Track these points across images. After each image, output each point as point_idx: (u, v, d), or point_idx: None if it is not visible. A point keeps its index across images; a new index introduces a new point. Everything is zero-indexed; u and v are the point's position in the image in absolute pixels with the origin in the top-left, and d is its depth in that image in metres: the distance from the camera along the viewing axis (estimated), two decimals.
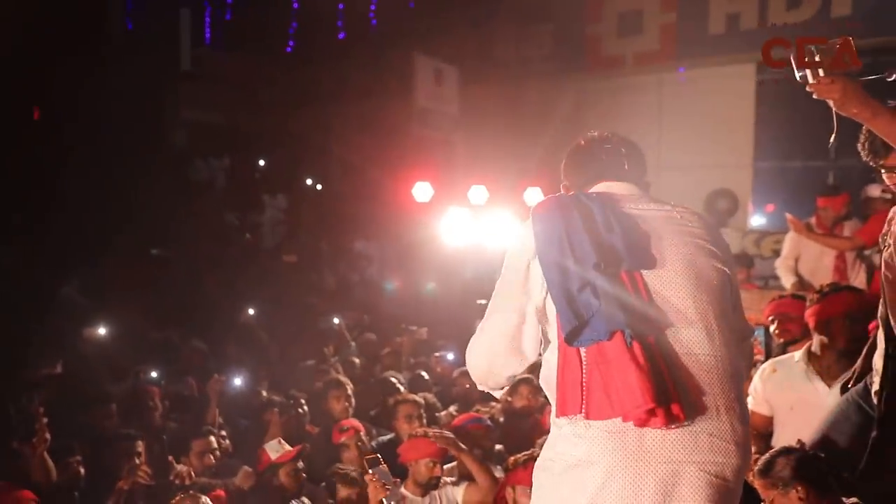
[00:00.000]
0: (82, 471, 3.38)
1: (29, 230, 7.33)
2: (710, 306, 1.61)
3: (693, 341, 1.56)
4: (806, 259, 5.16)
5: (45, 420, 3.21)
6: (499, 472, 3.47)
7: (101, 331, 5.38)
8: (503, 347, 1.67)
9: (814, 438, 2.66)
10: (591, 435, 1.53)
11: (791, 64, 1.71)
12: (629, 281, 1.59)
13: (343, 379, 4.26)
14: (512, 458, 3.09)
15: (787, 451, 2.38)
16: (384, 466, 2.90)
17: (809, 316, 3.00)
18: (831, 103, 1.79)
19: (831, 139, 1.87)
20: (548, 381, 1.66)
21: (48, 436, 3.21)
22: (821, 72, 1.71)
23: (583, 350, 1.54)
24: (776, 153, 9.18)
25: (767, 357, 3.87)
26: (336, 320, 6.37)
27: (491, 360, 1.70)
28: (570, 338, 1.54)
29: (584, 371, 1.54)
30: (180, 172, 9.77)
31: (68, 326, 5.40)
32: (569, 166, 1.95)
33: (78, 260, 7.12)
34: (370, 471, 2.80)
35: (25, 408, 3.70)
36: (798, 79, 1.73)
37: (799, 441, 2.49)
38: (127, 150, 8.08)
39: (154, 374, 4.76)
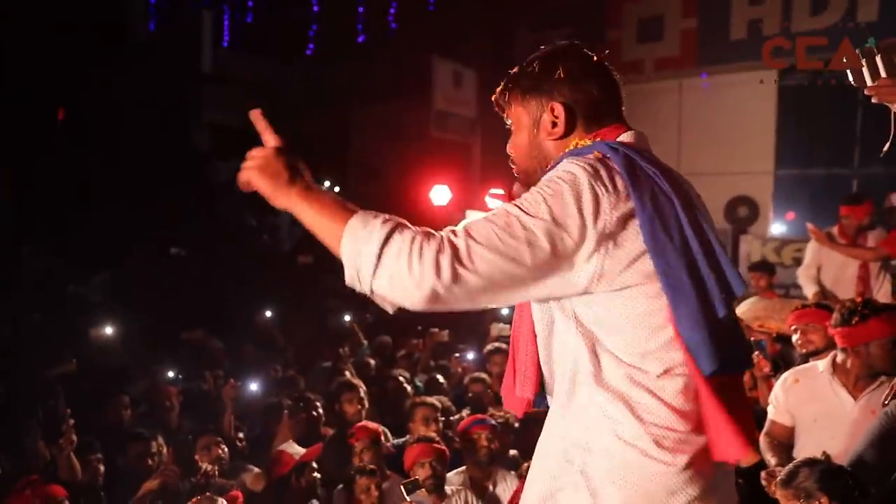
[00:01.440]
0: (102, 468, 3.43)
1: (53, 231, 7.44)
2: None
3: None
4: (828, 268, 5.10)
5: (71, 421, 3.28)
6: (512, 478, 3.46)
7: (119, 329, 5.44)
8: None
9: (843, 451, 2.61)
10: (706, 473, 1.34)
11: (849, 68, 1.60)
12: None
13: (356, 381, 4.25)
14: (526, 464, 3.06)
15: (810, 462, 2.34)
16: (423, 492, 2.89)
17: (842, 336, 2.88)
18: (893, 107, 1.63)
19: (886, 146, 1.67)
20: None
21: (75, 437, 3.28)
22: (882, 72, 1.56)
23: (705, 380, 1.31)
24: (797, 160, 9.09)
25: (775, 368, 3.82)
26: (347, 317, 6.37)
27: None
28: (717, 366, 1.29)
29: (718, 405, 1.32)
30: (200, 174, 9.87)
31: (85, 325, 5.46)
32: (582, 85, 1.46)
33: (101, 260, 7.22)
34: (408, 498, 2.76)
35: (52, 407, 3.76)
36: (852, 82, 1.61)
37: (823, 453, 2.45)
38: (148, 152, 8.18)
39: (171, 374, 4.79)
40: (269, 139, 1.41)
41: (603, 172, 1.31)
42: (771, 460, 2.95)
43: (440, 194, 7.70)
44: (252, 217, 10.30)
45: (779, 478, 2.36)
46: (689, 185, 1.46)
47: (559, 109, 1.45)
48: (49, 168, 7.60)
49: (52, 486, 2.89)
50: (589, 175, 1.29)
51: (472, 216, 1.69)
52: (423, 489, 2.97)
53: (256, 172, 1.36)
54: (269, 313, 6.52)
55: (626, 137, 1.44)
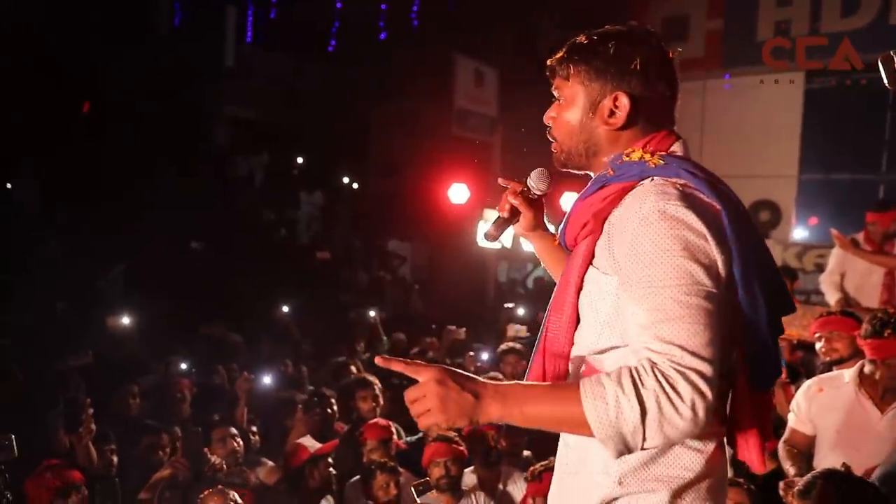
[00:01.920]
0: (115, 459, 3.46)
1: (74, 221, 7.53)
2: None
3: None
4: (852, 275, 4.99)
5: (91, 411, 3.31)
6: (520, 478, 3.43)
7: (137, 321, 5.49)
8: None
9: (867, 465, 2.54)
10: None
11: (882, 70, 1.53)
12: None
13: (370, 378, 4.23)
14: (536, 466, 3.02)
15: (830, 473, 2.28)
16: (434, 493, 2.87)
17: (872, 347, 2.80)
18: None
19: None
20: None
21: (94, 426, 3.33)
22: None
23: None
24: (822, 165, 8.96)
25: (793, 376, 3.75)
26: (372, 313, 6.37)
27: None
28: (773, 381, 1.39)
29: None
30: (220, 168, 9.94)
31: (103, 316, 5.52)
32: (652, 82, 1.38)
33: (120, 251, 7.30)
34: (418, 500, 2.75)
35: (73, 397, 3.80)
36: (885, 82, 1.55)
37: (844, 464, 2.39)
38: (170, 145, 8.25)
39: (184, 366, 4.82)
40: (421, 374, 1.24)
41: (698, 206, 1.26)
42: (790, 469, 2.90)
43: (458, 193, 7.68)
44: (270, 211, 10.36)
45: (796, 488, 2.31)
46: None
47: (624, 101, 1.36)
48: (71, 159, 7.69)
49: (70, 472, 2.94)
50: (693, 214, 1.24)
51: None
52: (435, 490, 2.95)
53: (438, 413, 1.21)
54: (285, 308, 6.54)
55: (677, 148, 1.39)
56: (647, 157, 1.35)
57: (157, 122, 8.19)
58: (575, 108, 1.41)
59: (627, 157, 1.37)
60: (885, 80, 1.51)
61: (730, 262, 1.26)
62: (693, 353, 1.17)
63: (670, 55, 1.41)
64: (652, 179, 1.31)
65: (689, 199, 1.26)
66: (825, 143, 8.81)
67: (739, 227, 1.27)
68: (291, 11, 11.12)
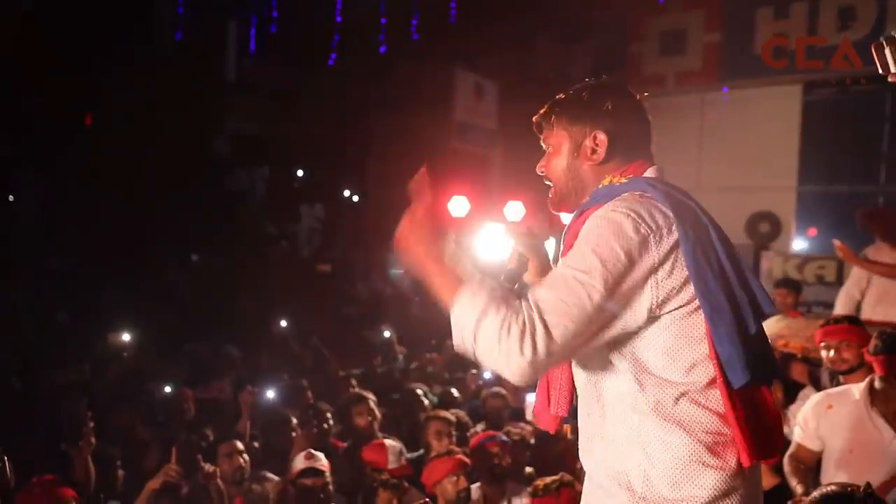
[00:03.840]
0: (121, 474, 3.44)
1: (74, 234, 7.54)
2: None
3: None
4: (876, 285, 4.89)
5: (91, 424, 3.30)
6: (526, 494, 3.41)
7: (136, 335, 5.47)
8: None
9: (881, 486, 2.49)
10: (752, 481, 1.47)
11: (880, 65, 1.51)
12: None
13: (365, 393, 4.20)
14: (539, 481, 3.01)
15: (844, 491, 2.19)
16: None
17: (882, 363, 2.75)
18: None
19: None
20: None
21: (93, 440, 3.30)
22: None
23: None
24: (821, 176, 8.97)
25: (786, 390, 3.70)
26: (387, 333, 6.35)
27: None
28: (747, 379, 1.39)
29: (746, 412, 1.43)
30: (221, 180, 9.96)
31: (103, 330, 5.51)
32: (624, 120, 1.57)
33: (121, 265, 7.30)
34: None
35: (72, 410, 3.78)
36: (880, 71, 1.52)
37: (867, 483, 2.31)
38: (172, 158, 8.27)
39: (168, 389, 4.77)
40: (423, 203, 1.53)
41: (644, 213, 1.41)
42: (797, 487, 2.83)
43: (459, 205, 7.68)
44: (271, 224, 10.37)
45: (806, 501, 2.25)
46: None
47: (602, 137, 1.55)
48: (72, 172, 7.72)
49: (61, 489, 2.90)
50: (632, 219, 1.39)
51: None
52: None
53: (407, 235, 1.50)
54: (283, 322, 6.51)
55: (650, 173, 1.55)
56: (615, 179, 1.54)
57: (158, 135, 8.22)
58: (561, 153, 1.61)
59: (602, 185, 1.56)
60: (879, 68, 1.51)
61: (672, 268, 1.39)
62: (544, 314, 1.34)
63: (638, 98, 1.61)
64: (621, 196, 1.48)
65: (639, 206, 1.42)
66: (824, 155, 8.82)
67: (696, 235, 1.40)
68: (292, 26, 11.18)
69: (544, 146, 1.65)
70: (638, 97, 1.61)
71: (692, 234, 1.40)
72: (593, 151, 1.56)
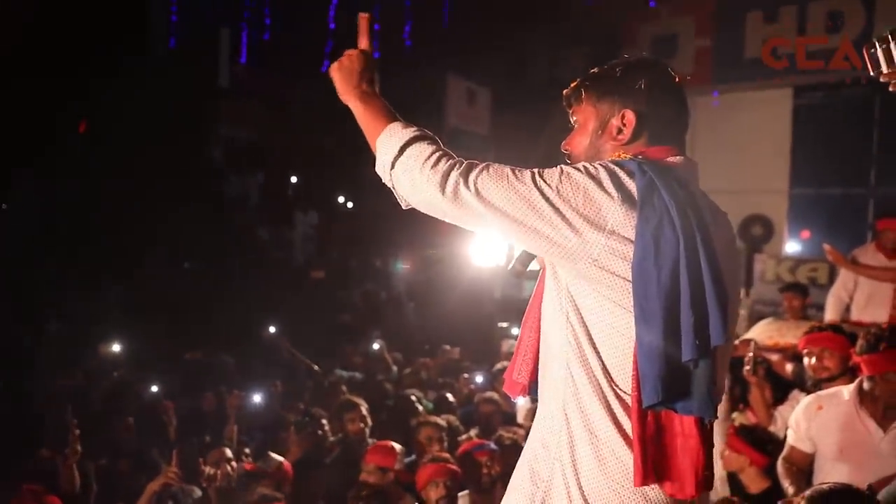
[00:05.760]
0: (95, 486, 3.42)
1: (69, 241, 7.51)
2: None
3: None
4: (863, 288, 4.90)
5: (77, 432, 3.28)
6: None
7: (129, 342, 5.45)
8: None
9: (871, 485, 2.50)
10: None
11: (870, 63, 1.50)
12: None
13: (356, 399, 4.20)
14: None
15: (849, 489, 2.14)
16: None
17: (868, 363, 2.72)
18: None
19: None
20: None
21: (79, 447, 3.28)
22: None
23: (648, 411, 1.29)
24: (813, 179, 9.03)
25: (775, 390, 3.71)
26: (376, 346, 6.31)
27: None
28: (655, 402, 1.26)
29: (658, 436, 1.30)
30: (215, 187, 9.94)
31: (95, 337, 5.48)
32: (658, 102, 1.44)
33: (114, 271, 7.28)
34: None
35: (58, 418, 3.76)
36: (870, 70, 1.52)
37: (869, 486, 2.31)
38: (165, 164, 8.26)
39: (167, 389, 4.76)
40: (363, 43, 1.62)
41: (623, 178, 1.32)
42: (789, 488, 2.83)
43: None
44: (265, 231, 10.35)
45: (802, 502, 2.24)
46: (726, 226, 1.47)
47: (630, 116, 1.43)
48: (66, 178, 7.70)
49: (49, 498, 2.88)
50: (608, 172, 1.32)
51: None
52: None
53: (337, 66, 1.59)
54: (272, 329, 6.47)
55: (673, 159, 1.43)
56: (620, 154, 1.43)
57: (152, 142, 8.21)
58: (586, 130, 1.49)
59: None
60: (870, 70, 1.51)
61: (623, 244, 1.27)
62: (485, 168, 1.35)
63: (677, 80, 1.47)
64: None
65: (618, 171, 1.32)
66: (815, 158, 8.88)
67: (657, 235, 1.26)
68: (285, 33, 11.20)
69: (572, 122, 1.54)
70: (678, 79, 1.47)
71: (649, 235, 1.26)
72: (619, 131, 1.44)
